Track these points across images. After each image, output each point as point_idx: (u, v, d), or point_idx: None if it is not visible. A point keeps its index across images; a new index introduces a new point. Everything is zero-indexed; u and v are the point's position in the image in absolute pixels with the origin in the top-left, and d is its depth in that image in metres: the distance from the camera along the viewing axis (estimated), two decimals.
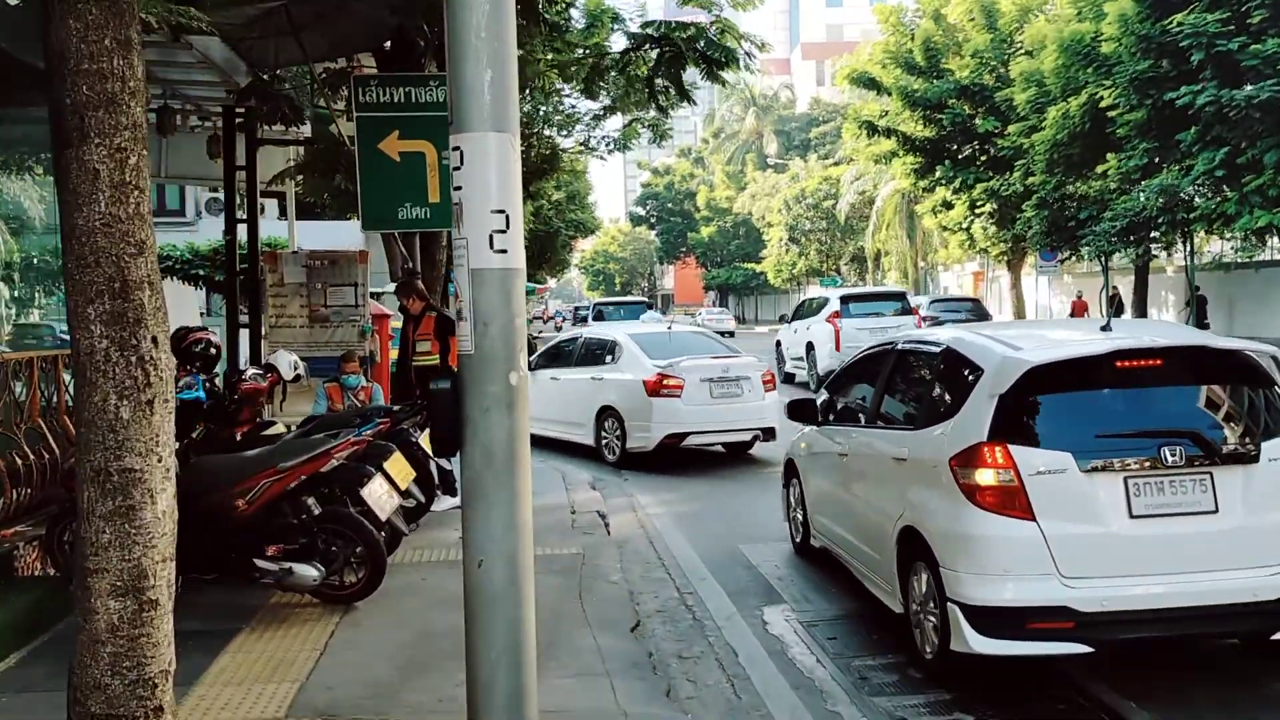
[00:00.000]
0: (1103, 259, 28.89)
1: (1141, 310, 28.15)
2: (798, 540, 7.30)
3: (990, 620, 4.49)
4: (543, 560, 6.04)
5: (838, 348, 18.78)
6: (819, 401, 6.99)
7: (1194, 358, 5.04)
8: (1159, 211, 23.47)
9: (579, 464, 11.27)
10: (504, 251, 3.56)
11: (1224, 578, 4.50)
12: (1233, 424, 4.83)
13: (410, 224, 8.03)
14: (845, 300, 20.90)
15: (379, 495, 5.95)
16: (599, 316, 34.61)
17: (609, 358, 12.13)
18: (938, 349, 5.55)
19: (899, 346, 6.19)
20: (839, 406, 6.81)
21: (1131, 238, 25.24)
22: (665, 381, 11.06)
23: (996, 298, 39.09)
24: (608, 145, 34.72)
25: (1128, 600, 4.47)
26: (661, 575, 6.83)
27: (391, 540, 6.31)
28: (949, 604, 4.62)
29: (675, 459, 11.21)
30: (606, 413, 11.64)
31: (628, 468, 11.09)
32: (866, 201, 49.04)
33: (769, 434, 11.35)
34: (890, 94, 32.51)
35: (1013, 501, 4.54)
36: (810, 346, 20.45)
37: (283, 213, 13.40)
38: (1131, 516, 4.51)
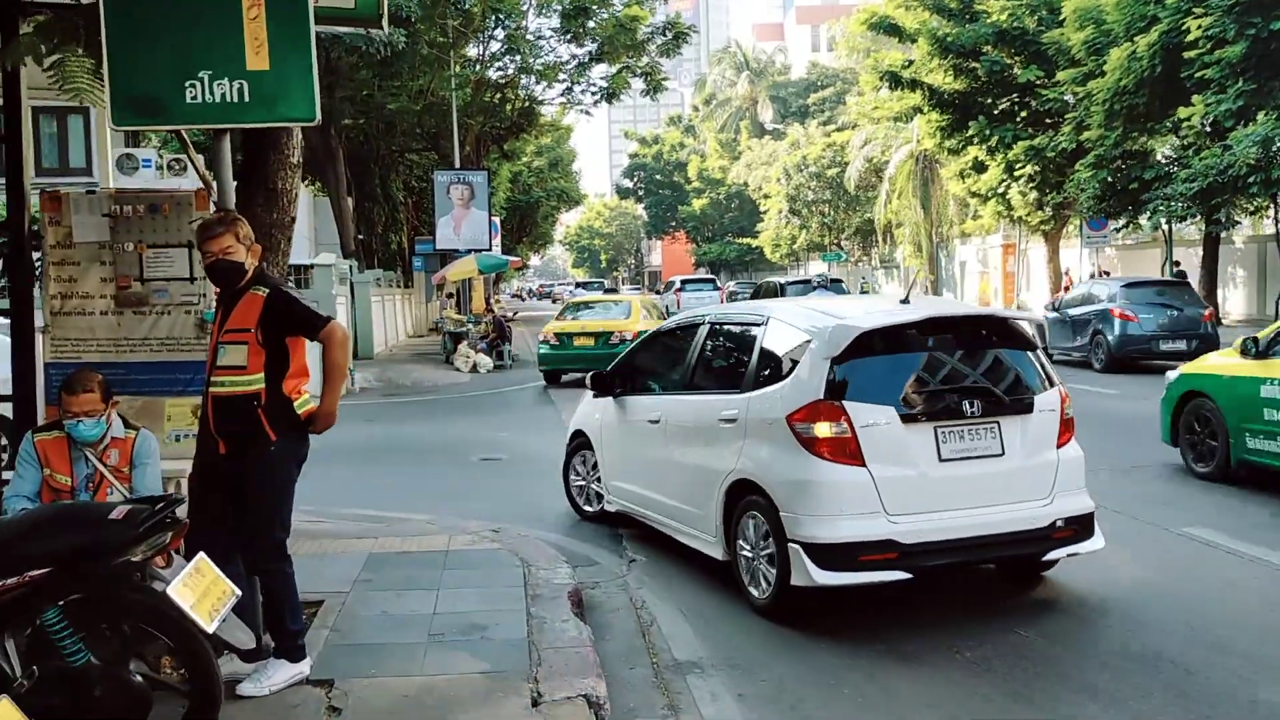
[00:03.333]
0: (1167, 228, 25.05)
1: (1211, 289, 24.28)
2: (592, 509, 7.54)
3: (829, 555, 4.98)
4: None
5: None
6: (616, 373, 7.24)
7: (983, 325, 5.80)
8: (1250, 169, 19.53)
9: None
10: None
11: (1010, 509, 5.26)
12: (1013, 381, 5.52)
13: (208, 114, 4.02)
14: (684, 282, 33.82)
15: None
16: (772, 293, 27.50)
17: None
18: (762, 320, 5.93)
19: (710, 320, 6.57)
20: (638, 377, 7.13)
21: (1214, 201, 21.27)
22: None
23: (1025, 273, 35.20)
24: (594, 96, 30.83)
25: (939, 532, 5.09)
26: None
27: None
28: (790, 544, 5.08)
29: None
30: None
31: None
32: (874, 170, 45.08)
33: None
34: (915, 41, 28.63)
35: (847, 450, 5.07)
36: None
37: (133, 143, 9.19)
38: (940, 460, 5.17)
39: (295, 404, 4.08)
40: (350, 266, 23.53)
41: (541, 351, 17.77)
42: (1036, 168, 27.16)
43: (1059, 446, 5.42)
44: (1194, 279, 24.72)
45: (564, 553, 6.49)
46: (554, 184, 48.31)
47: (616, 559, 6.59)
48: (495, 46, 28.86)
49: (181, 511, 3.83)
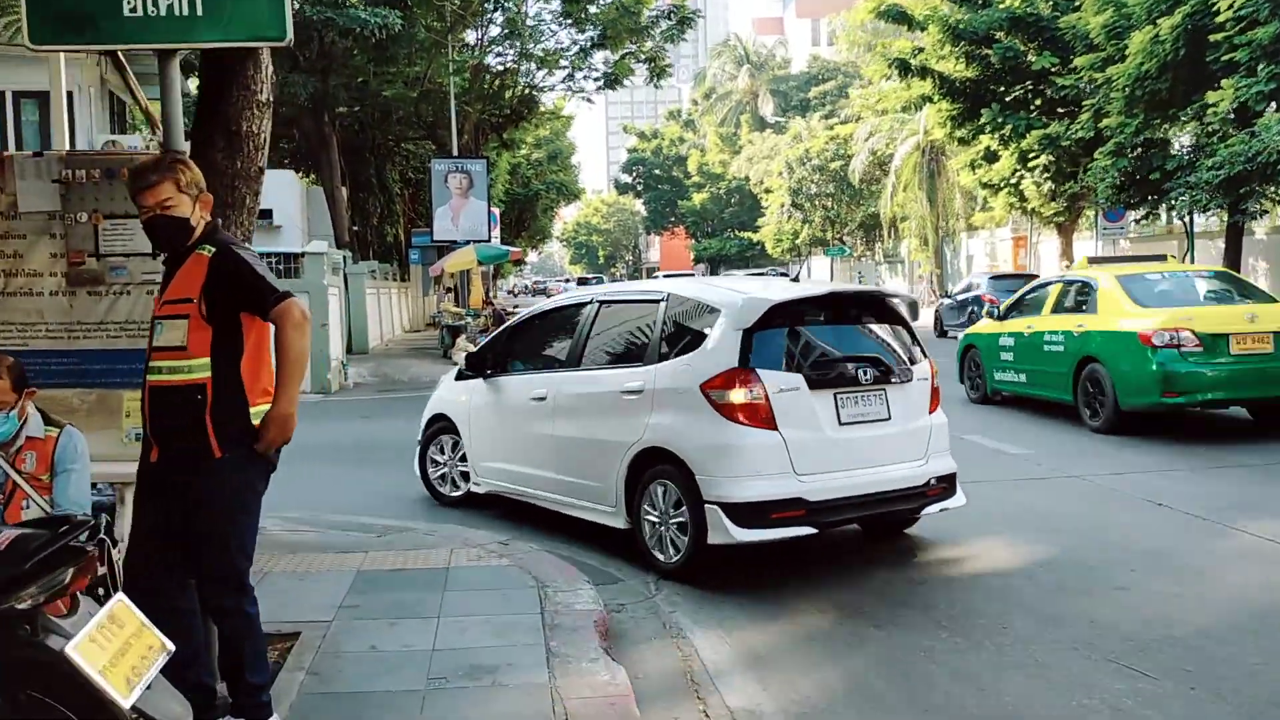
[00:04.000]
0: (1188, 219, 24.23)
1: None
2: (455, 493, 7.49)
3: (745, 514, 5.30)
4: None
5: None
6: (489, 354, 7.29)
7: (870, 302, 6.30)
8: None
9: None
10: None
11: (895, 469, 5.75)
12: (895, 353, 6.01)
13: (151, 31, 3.18)
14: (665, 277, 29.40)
15: None
16: None
17: None
18: (661, 296, 6.19)
19: (599, 299, 6.73)
20: (515, 357, 7.18)
21: (1242, 190, 20.44)
22: None
23: (1035, 267, 34.35)
24: (596, 82, 29.90)
25: (839, 490, 5.53)
26: None
27: None
28: (707, 505, 5.37)
29: None
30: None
31: None
32: (878, 163, 44.21)
33: None
34: (924, 29, 27.78)
35: (761, 415, 5.39)
36: None
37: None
38: (840, 424, 5.60)
39: (254, 408, 3.23)
40: (344, 258, 22.66)
41: None
42: (1051, 157, 26.32)
43: (931, 412, 6.05)
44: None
45: (581, 567, 5.67)
46: (553, 177, 47.40)
47: (640, 574, 5.77)
48: (494, 31, 27.98)
49: (122, 534, 3.00)
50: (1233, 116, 20.49)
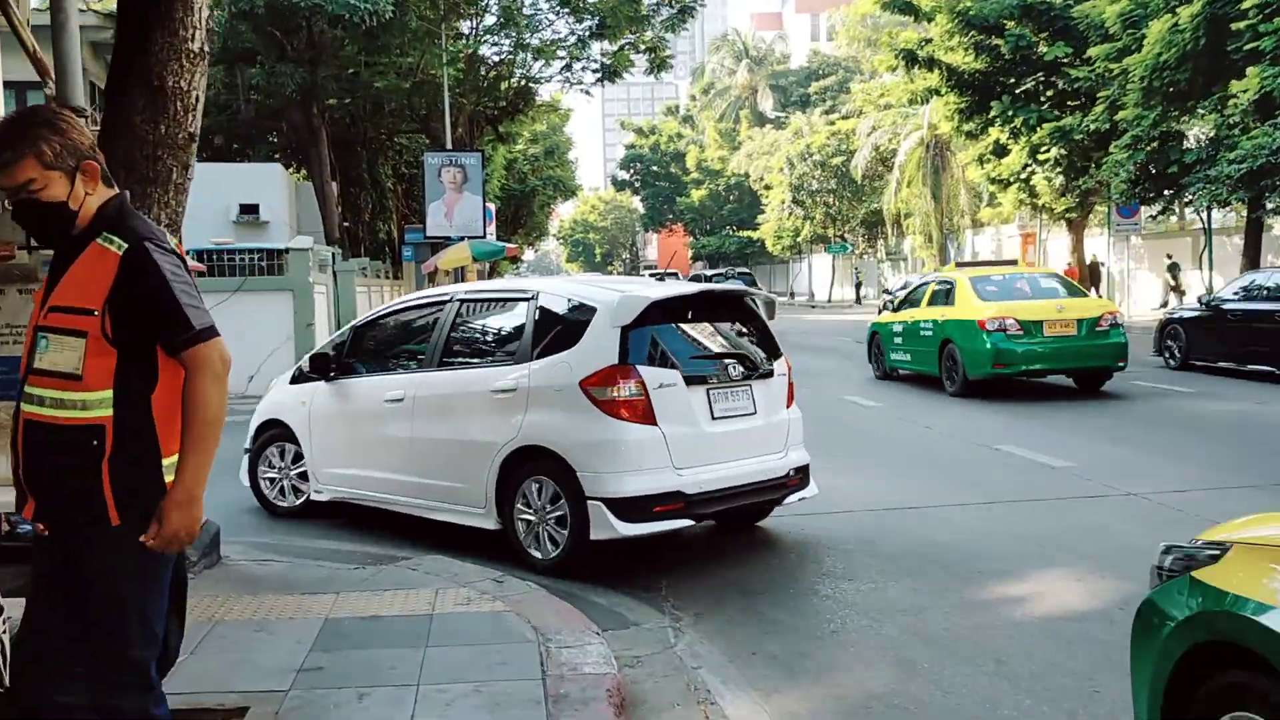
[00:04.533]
0: (1206, 214, 23.51)
1: None
2: (291, 504, 7.14)
3: (628, 508, 5.32)
4: None
5: None
6: (331, 356, 7.00)
7: (735, 301, 6.46)
8: None
9: None
10: None
11: (761, 461, 5.91)
12: (758, 349, 6.21)
13: None
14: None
15: None
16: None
17: None
18: (530, 295, 6.13)
19: (459, 298, 6.59)
20: (361, 359, 6.91)
21: (1263, 183, 19.73)
22: None
23: (1043, 264, 33.59)
24: (595, 73, 29.06)
25: (714, 482, 5.62)
26: None
27: None
28: (590, 502, 5.35)
29: None
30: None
31: None
32: (881, 158, 43.48)
33: None
34: (931, 20, 27.03)
35: (641, 411, 5.44)
36: None
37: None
38: (713, 418, 5.71)
39: (169, 459, 2.44)
40: (333, 254, 21.84)
41: None
42: (1063, 151, 25.62)
43: (788, 407, 6.22)
44: (1234, 268, 23.24)
45: (586, 607, 4.89)
46: (550, 173, 46.54)
47: (656, 614, 5.00)
48: (489, 21, 27.13)
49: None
50: (1252, 109, 19.79)
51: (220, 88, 28.05)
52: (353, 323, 7.30)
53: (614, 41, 26.88)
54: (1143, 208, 24.97)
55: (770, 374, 6.09)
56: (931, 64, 26.93)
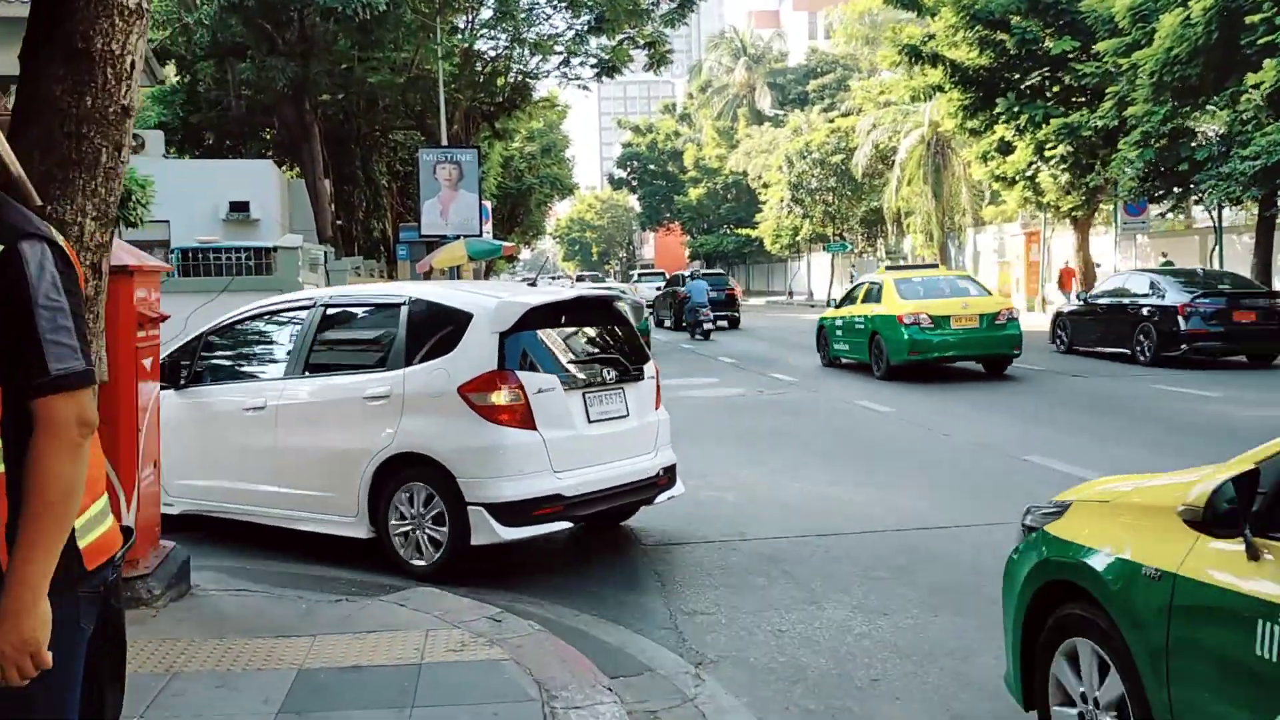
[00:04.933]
0: (1217, 212, 23.04)
1: (1265, 277, 22.22)
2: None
3: (510, 513, 5.37)
4: None
5: None
6: (179, 364, 6.76)
7: (606, 306, 6.56)
8: None
9: None
10: None
11: (634, 462, 6.02)
12: (629, 354, 6.31)
13: None
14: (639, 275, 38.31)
15: None
16: (677, 282, 27.97)
17: None
18: (402, 300, 6.05)
19: (324, 303, 6.43)
20: (213, 367, 6.77)
21: (1278, 181, 19.29)
22: None
23: (1047, 263, 33.15)
24: (593, 69, 28.50)
25: (592, 484, 5.70)
26: None
27: None
28: (471, 507, 5.36)
29: None
30: None
31: None
32: (881, 156, 42.97)
33: None
34: (934, 15, 26.54)
35: (521, 416, 5.48)
36: None
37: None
38: (590, 421, 5.79)
39: (76, 524, 1.84)
40: (325, 253, 21.30)
41: None
42: (1070, 148, 25.12)
43: (656, 409, 6.35)
44: (1244, 267, 22.76)
45: (592, 648, 4.38)
46: (547, 171, 46.00)
47: (672, 655, 4.48)
48: (485, 14, 26.56)
49: None
50: (1265, 104, 19.33)
51: (210, 83, 27.49)
52: (204, 328, 6.93)
53: (612, 36, 26.34)
54: (1150, 206, 24.49)
55: (640, 377, 6.21)
56: (935, 60, 26.45)
